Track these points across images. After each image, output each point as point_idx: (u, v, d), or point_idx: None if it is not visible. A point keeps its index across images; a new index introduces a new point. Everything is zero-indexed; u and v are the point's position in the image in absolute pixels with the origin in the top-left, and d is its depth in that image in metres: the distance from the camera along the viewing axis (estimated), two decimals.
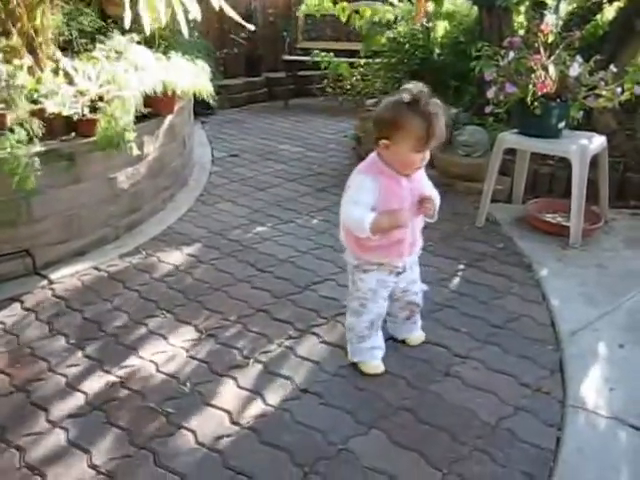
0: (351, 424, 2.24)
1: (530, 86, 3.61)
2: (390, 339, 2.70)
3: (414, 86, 2.18)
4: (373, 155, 2.30)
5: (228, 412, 2.29)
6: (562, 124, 3.73)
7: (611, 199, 4.09)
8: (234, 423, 2.24)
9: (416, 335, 2.72)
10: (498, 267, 3.42)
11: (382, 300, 2.49)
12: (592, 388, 2.45)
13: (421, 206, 2.31)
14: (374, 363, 2.53)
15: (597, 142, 3.77)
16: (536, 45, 3.80)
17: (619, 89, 3.72)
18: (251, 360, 2.61)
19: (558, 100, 3.66)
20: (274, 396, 2.38)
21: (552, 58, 3.71)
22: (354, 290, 2.48)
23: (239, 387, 2.44)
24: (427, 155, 2.23)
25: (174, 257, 3.56)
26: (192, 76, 4.24)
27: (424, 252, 3.51)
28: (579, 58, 3.71)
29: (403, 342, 2.71)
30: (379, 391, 2.41)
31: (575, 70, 3.57)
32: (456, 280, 3.28)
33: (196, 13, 3.52)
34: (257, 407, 2.32)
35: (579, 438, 2.19)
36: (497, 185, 4.06)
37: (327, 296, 3.11)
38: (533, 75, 3.64)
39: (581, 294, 3.13)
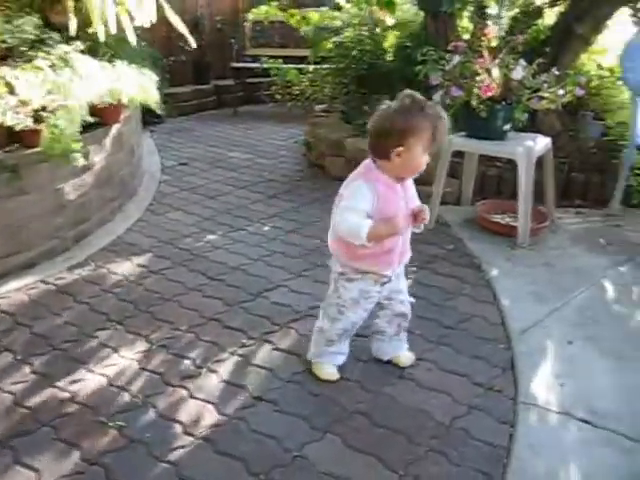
0: (306, 430, 2.23)
1: (475, 89, 3.67)
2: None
3: (410, 92, 2.18)
4: (367, 162, 2.27)
5: (182, 423, 2.26)
6: (507, 126, 3.80)
7: (557, 199, 4.19)
8: (188, 434, 2.21)
9: (407, 355, 2.63)
10: (449, 269, 3.46)
11: (362, 311, 2.44)
12: (543, 384, 2.49)
13: (416, 216, 2.29)
14: (330, 370, 2.51)
15: (542, 143, 3.84)
16: (480, 49, 3.87)
17: (561, 91, 3.80)
18: (204, 369, 2.58)
19: (503, 103, 3.73)
20: (228, 405, 2.36)
21: (496, 62, 3.77)
22: (334, 296, 2.44)
23: (192, 397, 2.40)
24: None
25: (124, 268, 3.50)
26: (138, 84, 4.19)
27: None
28: (522, 61, 3.79)
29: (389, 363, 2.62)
30: (334, 396, 2.41)
31: (518, 73, 3.64)
32: (408, 283, 3.27)
33: (147, 18, 3.49)
34: (211, 417, 2.30)
35: (531, 434, 2.23)
36: (446, 187, 4.11)
37: (279, 302, 3.10)
38: (478, 78, 3.70)
39: (530, 293, 3.18)
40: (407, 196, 2.30)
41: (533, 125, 4.37)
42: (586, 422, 2.28)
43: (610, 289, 3.28)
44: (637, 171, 4.33)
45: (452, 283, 3.29)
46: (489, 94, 3.63)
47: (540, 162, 3.87)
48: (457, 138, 3.87)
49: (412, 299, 2.59)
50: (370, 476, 2.03)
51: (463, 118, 3.88)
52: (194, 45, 3.85)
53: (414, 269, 3.41)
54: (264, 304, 3.10)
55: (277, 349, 2.72)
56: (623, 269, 3.49)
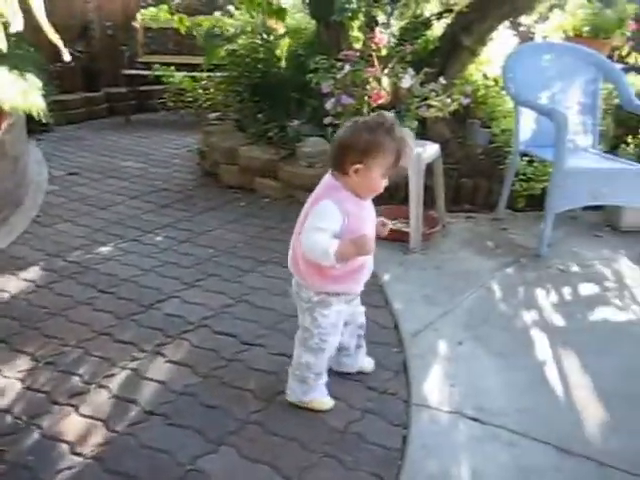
0: (200, 443, 2.18)
1: (365, 97, 3.73)
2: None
3: (382, 113, 2.15)
4: (329, 180, 2.18)
5: (69, 443, 2.17)
6: None
7: (447, 204, 4.31)
8: (75, 454, 2.12)
9: (369, 360, 2.63)
10: None
11: (339, 332, 2.38)
12: (434, 386, 2.55)
13: (377, 230, 2.26)
14: (327, 399, 2.42)
15: (431, 150, 3.95)
16: (371, 58, 3.94)
17: (448, 100, 3.92)
18: (93, 385, 2.49)
19: (393, 110, 3.79)
20: (118, 421, 2.28)
21: (386, 71, 3.86)
22: (313, 327, 2.30)
23: (81, 415, 2.31)
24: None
25: (8, 283, 3.34)
26: (20, 91, 4.02)
27: (272, 264, 3.58)
28: (411, 70, 3.89)
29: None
30: (227, 407, 2.37)
31: (407, 82, 3.73)
32: None
33: (18, 26, 3.33)
34: (100, 434, 2.21)
35: (423, 435, 2.27)
36: None
37: (172, 314, 3.04)
38: (368, 87, 3.77)
39: (422, 296, 3.26)
40: (370, 211, 2.25)
41: (424, 132, 4.49)
42: (475, 420, 2.35)
43: (497, 290, 3.40)
44: (522, 177, 4.52)
45: None
46: (379, 102, 3.70)
47: (430, 168, 3.97)
48: None
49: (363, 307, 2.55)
50: None
51: None
52: (67, 57, 3.71)
53: None
54: (156, 316, 3.03)
55: (170, 361, 2.65)
56: (509, 270, 3.63)
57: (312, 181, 4.49)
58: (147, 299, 3.18)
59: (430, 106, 3.91)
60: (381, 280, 3.41)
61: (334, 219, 2.09)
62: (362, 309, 2.53)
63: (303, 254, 2.18)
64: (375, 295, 3.24)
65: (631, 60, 6.62)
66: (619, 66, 5.01)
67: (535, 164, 4.53)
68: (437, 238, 4.02)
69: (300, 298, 2.32)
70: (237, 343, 2.80)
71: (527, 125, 4.36)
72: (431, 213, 4.11)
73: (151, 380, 2.53)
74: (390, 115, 2.14)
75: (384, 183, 2.15)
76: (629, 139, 4.78)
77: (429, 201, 4.02)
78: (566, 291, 3.42)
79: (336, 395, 2.44)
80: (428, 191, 3.97)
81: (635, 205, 4.05)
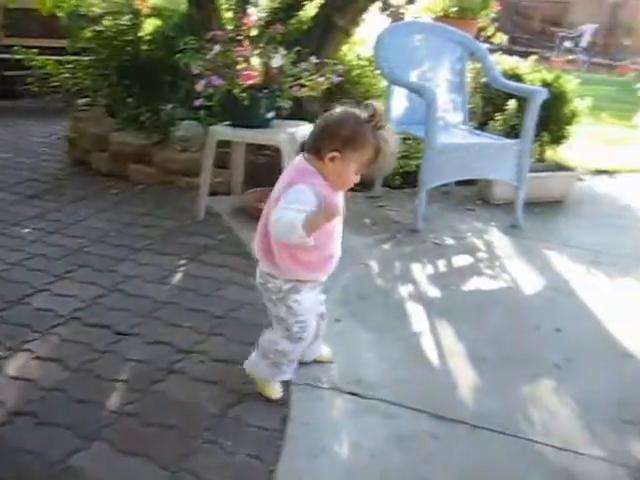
0: (72, 440, 2.08)
1: (236, 78, 3.67)
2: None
3: (375, 106, 1.99)
4: (302, 163, 2.08)
5: None
6: (271, 114, 3.84)
7: None
8: None
9: (326, 349, 2.59)
10: (219, 258, 3.43)
11: (314, 318, 2.33)
12: (314, 363, 2.54)
13: None
14: (279, 387, 2.37)
15: (305, 130, 3.94)
16: (241, 38, 3.88)
17: (322, 79, 3.93)
18: None
19: (265, 91, 3.76)
20: None
21: (256, 51, 3.80)
22: (290, 316, 2.23)
23: None
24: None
25: None
26: None
27: (146, 251, 3.48)
28: (282, 50, 3.85)
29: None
30: (101, 400, 2.28)
31: (277, 61, 3.69)
32: (178, 276, 3.23)
33: None
34: None
35: (304, 413, 2.27)
36: (217, 178, 4.08)
37: (42, 308, 2.88)
38: (239, 67, 3.70)
39: None
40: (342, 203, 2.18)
41: (299, 113, 4.47)
42: (354, 394, 2.37)
43: (375, 266, 3.46)
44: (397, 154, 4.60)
45: (222, 273, 3.27)
46: (250, 82, 3.65)
47: None
48: (221, 128, 3.84)
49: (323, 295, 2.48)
50: (142, 477, 1.95)
51: (226, 107, 3.87)
52: None
53: (184, 262, 3.35)
54: (24, 311, 2.86)
55: (37, 357, 2.51)
56: (386, 246, 3.69)
57: (187, 165, 4.48)
58: (14, 294, 3.00)
59: (303, 86, 3.90)
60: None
61: (308, 202, 1.98)
62: (323, 297, 2.47)
63: (274, 235, 2.07)
64: (253, 278, 3.19)
65: (496, 40, 6.89)
66: (485, 46, 5.19)
67: (409, 142, 4.63)
68: None
69: (267, 290, 2.25)
70: (110, 334, 2.69)
71: (400, 103, 4.44)
72: None
73: (17, 379, 2.38)
74: (381, 110, 2.01)
75: (355, 179, 2.07)
76: (497, 116, 4.97)
77: None
78: (441, 263, 3.52)
79: (213, 379, 2.40)
80: None
81: (503, 179, 4.21)
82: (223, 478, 1.97)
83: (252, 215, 3.93)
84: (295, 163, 2.13)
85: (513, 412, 2.33)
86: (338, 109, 2.06)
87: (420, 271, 3.41)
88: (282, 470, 2.01)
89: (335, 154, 1.99)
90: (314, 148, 2.05)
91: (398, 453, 2.11)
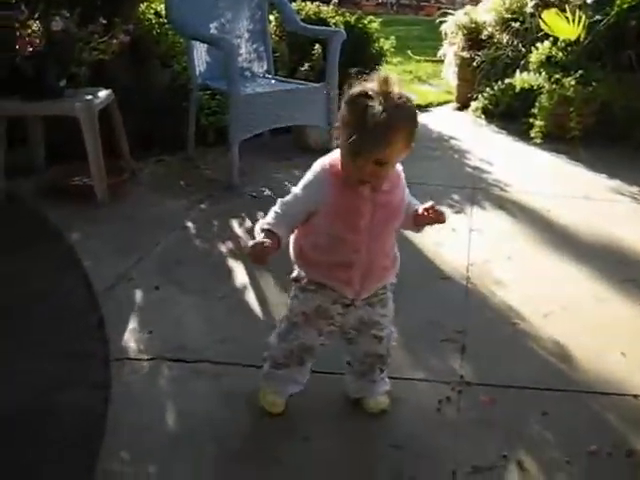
0: None
1: (16, 45, 3.38)
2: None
3: (393, 80, 1.60)
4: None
5: None
6: (63, 82, 3.59)
7: (136, 150, 4.12)
8: None
9: (378, 400, 2.08)
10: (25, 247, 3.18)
11: (316, 333, 1.93)
12: (132, 337, 2.44)
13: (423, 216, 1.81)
14: (273, 399, 2.05)
15: (103, 95, 3.72)
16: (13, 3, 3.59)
17: (114, 40, 3.72)
18: None
19: (50, 58, 3.50)
20: None
21: (35, 15, 3.52)
22: (287, 309, 1.97)
23: None
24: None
25: None
26: None
27: None
28: (65, 12, 3.59)
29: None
30: None
31: (58, 24, 3.43)
32: None
33: None
34: None
35: (126, 388, 2.16)
36: (15, 158, 3.77)
37: None
38: (17, 34, 3.42)
39: (114, 249, 3.10)
40: (380, 199, 1.77)
41: (100, 78, 4.22)
42: (178, 361, 2.30)
43: (192, 228, 3.37)
44: (207, 111, 4.49)
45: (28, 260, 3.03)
46: (31, 49, 3.38)
47: (109, 116, 3.76)
48: (8, 102, 3.53)
49: (393, 330, 2.04)
50: None
51: (10, 79, 3.56)
52: None
53: None
54: None
55: None
56: (203, 206, 3.61)
57: None
58: None
59: (94, 49, 3.67)
60: (70, 241, 3.18)
61: (311, 193, 1.79)
62: (384, 333, 1.99)
63: None
64: (64, 260, 3.01)
65: None
66: None
67: (218, 97, 4.52)
68: (127, 187, 3.84)
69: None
70: None
71: (202, 58, 4.31)
72: (118, 162, 3.91)
73: None
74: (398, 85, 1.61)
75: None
76: (305, 63, 4.96)
77: (114, 150, 3.83)
78: (260, 215, 3.47)
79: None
80: (112, 140, 3.77)
81: (314, 123, 4.22)
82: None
83: (61, 193, 3.70)
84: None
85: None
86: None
87: (238, 227, 3.37)
88: (105, 452, 1.89)
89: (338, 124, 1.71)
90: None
91: (226, 411, 2.06)
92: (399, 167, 1.78)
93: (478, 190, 4.04)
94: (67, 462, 1.89)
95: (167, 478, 1.83)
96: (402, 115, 1.59)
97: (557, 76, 4.99)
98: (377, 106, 1.54)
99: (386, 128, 1.55)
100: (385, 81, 1.57)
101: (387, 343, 2.00)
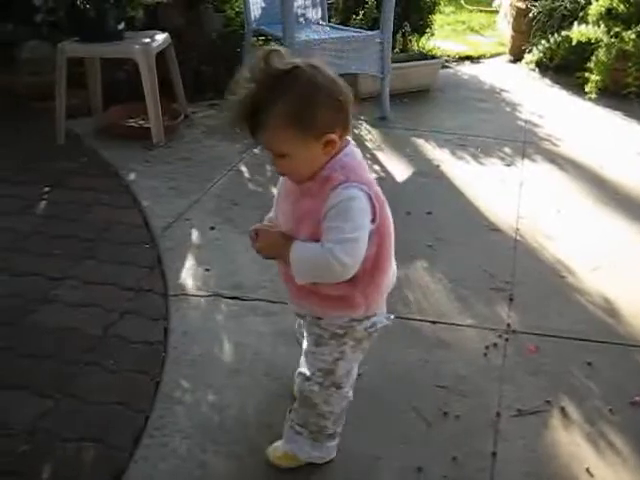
0: None
1: None
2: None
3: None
4: (342, 154, 1.43)
5: None
6: (121, 25, 3.65)
7: (190, 94, 4.19)
8: None
9: (275, 448, 1.75)
10: (84, 181, 3.28)
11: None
12: (189, 274, 2.54)
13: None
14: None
15: (160, 39, 3.77)
16: None
17: None
18: None
19: (112, 0, 3.55)
20: None
21: None
22: (324, 368, 1.59)
23: None
24: None
25: None
26: None
27: (2, 183, 3.27)
28: None
29: None
30: None
31: None
32: (42, 204, 3.08)
33: None
34: None
35: (184, 322, 2.27)
36: (73, 99, 3.85)
37: None
38: None
39: (170, 189, 3.20)
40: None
41: (155, 22, 4.27)
42: (233, 298, 2.39)
43: (246, 172, 3.43)
44: None
45: (89, 196, 3.13)
46: None
47: (165, 59, 3.81)
48: (70, 44, 3.59)
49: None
50: (25, 409, 1.89)
51: (73, 21, 3.63)
52: None
53: (47, 189, 3.18)
54: None
55: None
56: (256, 150, 3.65)
57: (40, 89, 4.18)
58: None
59: None
60: (127, 180, 3.28)
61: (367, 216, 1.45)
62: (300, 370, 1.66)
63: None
64: (122, 196, 3.12)
65: None
66: None
67: (272, 43, 4.52)
68: (181, 130, 3.92)
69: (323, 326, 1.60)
70: None
71: (257, 3, 4.32)
72: (174, 105, 3.98)
73: None
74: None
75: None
76: (359, 10, 4.92)
77: (169, 93, 3.89)
78: None
79: (90, 302, 2.34)
80: (167, 83, 3.83)
81: (367, 71, 4.21)
82: (108, 396, 1.95)
83: (117, 134, 3.80)
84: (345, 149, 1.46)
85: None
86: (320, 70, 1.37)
87: None
88: (167, 379, 2.01)
89: (333, 136, 1.38)
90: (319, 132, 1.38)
91: (281, 348, 2.15)
92: (341, 178, 1.39)
93: (529, 144, 4.01)
94: (124, 381, 2.01)
95: (225, 407, 1.92)
96: (272, 97, 1.32)
97: (617, 29, 4.86)
98: (242, 90, 1.34)
99: (253, 110, 1.33)
100: (264, 57, 1.33)
101: (302, 390, 1.62)
